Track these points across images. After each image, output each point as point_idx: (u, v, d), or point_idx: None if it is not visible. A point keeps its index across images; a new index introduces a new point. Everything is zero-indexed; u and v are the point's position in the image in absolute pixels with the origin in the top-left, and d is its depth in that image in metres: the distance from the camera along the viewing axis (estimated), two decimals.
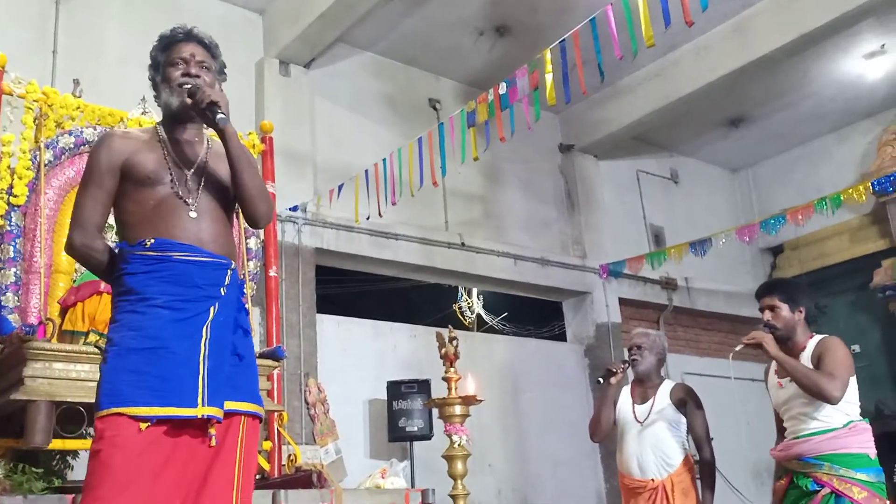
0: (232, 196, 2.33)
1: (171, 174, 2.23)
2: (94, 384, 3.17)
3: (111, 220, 2.33)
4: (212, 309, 2.15)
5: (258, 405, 2.23)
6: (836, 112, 8.97)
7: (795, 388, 3.27)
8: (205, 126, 2.35)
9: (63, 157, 4.24)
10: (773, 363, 3.42)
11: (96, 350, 3.35)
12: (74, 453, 3.80)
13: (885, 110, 8.86)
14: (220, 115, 2.19)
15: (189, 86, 2.25)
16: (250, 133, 4.99)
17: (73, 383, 3.29)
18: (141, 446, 1.97)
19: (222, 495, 2.07)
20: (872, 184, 7.40)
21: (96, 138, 4.34)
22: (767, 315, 3.41)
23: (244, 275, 4.43)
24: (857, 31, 7.31)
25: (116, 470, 1.95)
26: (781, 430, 3.48)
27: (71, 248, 2.28)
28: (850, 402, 3.27)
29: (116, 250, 2.25)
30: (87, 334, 3.58)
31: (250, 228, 4.55)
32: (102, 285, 3.60)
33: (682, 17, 4.01)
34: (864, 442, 3.23)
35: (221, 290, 2.20)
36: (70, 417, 3.29)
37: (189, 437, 2.05)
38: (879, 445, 3.27)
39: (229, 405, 2.12)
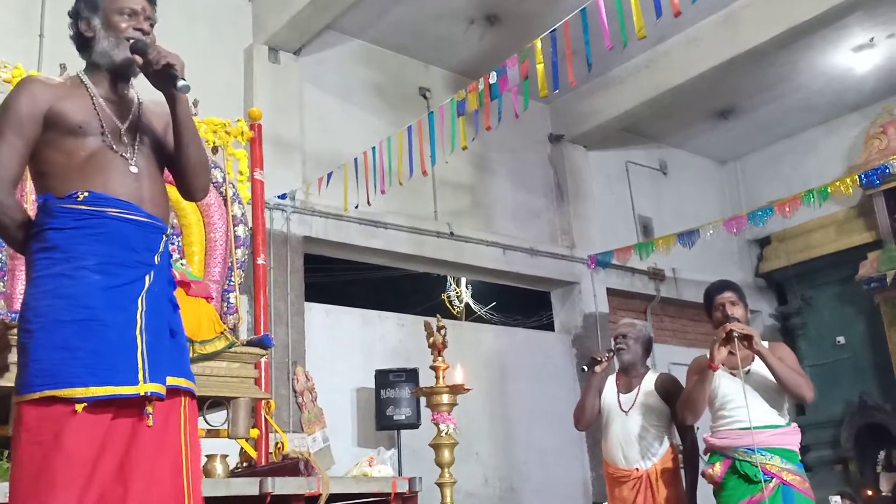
0: (165, 159, 2.15)
1: (102, 126, 2.03)
2: None
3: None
4: (147, 277, 1.97)
5: (194, 384, 2.07)
6: (825, 105, 9.00)
7: (755, 382, 3.44)
8: (132, 84, 2.15)
9: None
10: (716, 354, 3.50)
11: None
12: None
13: (872, 103, 8.89)
14: (182, 82, 1.97)
15: (134, 40, 2.04)
16: (239, 120, 4.96)
17: None
18: (79, 433, 1.81)
19: (171, 482, 1.92)
20: (859, 176, 7.44)
21: None
22: (731, 310, 3.53)
23: (233, 262, 4.41)
24: (845, 25, 7.34)
25: (55, 464, 1.78)
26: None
27: None
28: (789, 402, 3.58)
29: (39, 203, 2.00)
30: None
31: (238, 216, 4.53)
32: None
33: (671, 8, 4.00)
34: (798, 441, 3.52)
35: (156, 257, 2.01)
36: None
37: (127, 418, 1.88)
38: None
39: (172, 381, 1.95)
